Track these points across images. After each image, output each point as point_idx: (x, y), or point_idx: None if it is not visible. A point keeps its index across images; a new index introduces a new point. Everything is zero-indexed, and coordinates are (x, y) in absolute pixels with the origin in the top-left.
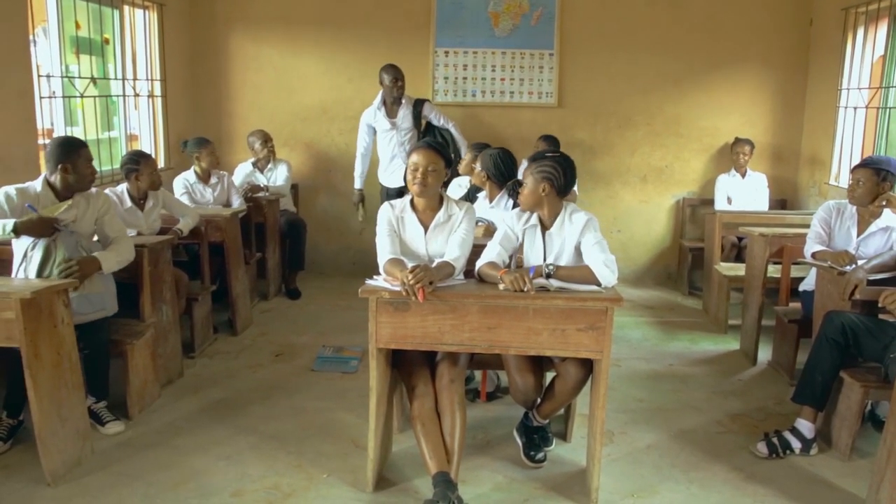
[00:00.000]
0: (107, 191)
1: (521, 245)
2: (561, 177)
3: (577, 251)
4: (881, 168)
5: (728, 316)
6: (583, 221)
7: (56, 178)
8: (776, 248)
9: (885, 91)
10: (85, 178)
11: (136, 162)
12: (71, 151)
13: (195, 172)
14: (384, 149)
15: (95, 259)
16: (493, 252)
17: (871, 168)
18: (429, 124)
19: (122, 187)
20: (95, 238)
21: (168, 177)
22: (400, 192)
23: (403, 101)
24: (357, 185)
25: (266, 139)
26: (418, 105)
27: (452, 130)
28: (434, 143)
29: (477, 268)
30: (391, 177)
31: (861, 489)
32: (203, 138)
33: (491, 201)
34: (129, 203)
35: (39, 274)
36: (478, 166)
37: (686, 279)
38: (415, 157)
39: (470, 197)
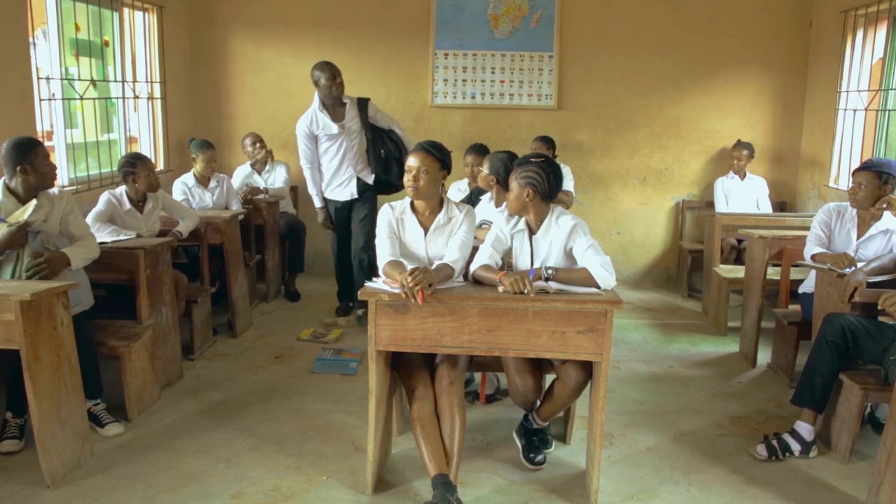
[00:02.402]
0: (106, 193)
1: (511, 249)
2: (545, 182)
3: (566, 255)
4: (882, 171)
5: (728, 318)
6: (570, 226)
7: (17, 182)
8: (776, 250)
9: (884, 93)
10: (47, 176)
11: (133, 164)
12: (27, 151)
13: (194, 175)
14: (330, 158)
15: (64, 254)
16: (485, 255)
17: (873, 171)
18: (373, 127)
19: (121, 189)
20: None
21: (168, 179)
22: (349, 208)
23: (346, 102)
24: (319, 203)
25: (255, 140)
26: (363, 105)
27: (398, 132)
28: (430, 145)
29: (471, 271)
30: (338, 189)
31: (861, 491)
32: (206, 142)
33: (498, 205)
34: (128, 205)
35: (10, 278)
36: (485, 169)
37: (685, 281)
38: (410, 160)
39: (472, 200)
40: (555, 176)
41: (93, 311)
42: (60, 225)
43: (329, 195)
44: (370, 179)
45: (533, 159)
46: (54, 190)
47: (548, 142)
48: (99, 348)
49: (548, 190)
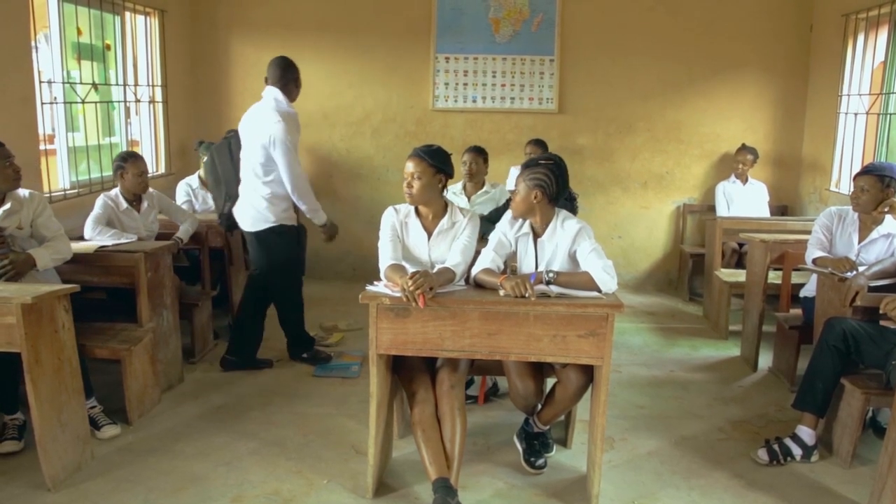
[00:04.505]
0: (101, 196)
1: (515, 252)
2: (553, 184)
3: (570, 258)
4: (885, 175)
5: (729, 322)
6: (575, 229)
7: None
8: (777, 254)
9: (885, 97)
10: (7, 178)
11: (125, 160)
12: None
13: (199, 177)
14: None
15: (29, 256)
16: (487, 258)
17: (876, 175)
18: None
19: (116, 191)
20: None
21: (170, 182)
22: (298, 231)
23: None
24: (324, 216)
25: None
26: None
27: None
28: (424, 150)
29: (472, 274)
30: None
31: (862, 496)
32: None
33: None
34: (124, 205)
35: None
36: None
37: (687, 285)
38: (406, 165)
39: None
40: (563, 179)
41: (89, 312)
42: (32, 227)
43: (293, 220)
44: None
45: (541, 161)
46: (24, 192)
47: (542, 145)
48: (99, 351)
49: (555, 192)
